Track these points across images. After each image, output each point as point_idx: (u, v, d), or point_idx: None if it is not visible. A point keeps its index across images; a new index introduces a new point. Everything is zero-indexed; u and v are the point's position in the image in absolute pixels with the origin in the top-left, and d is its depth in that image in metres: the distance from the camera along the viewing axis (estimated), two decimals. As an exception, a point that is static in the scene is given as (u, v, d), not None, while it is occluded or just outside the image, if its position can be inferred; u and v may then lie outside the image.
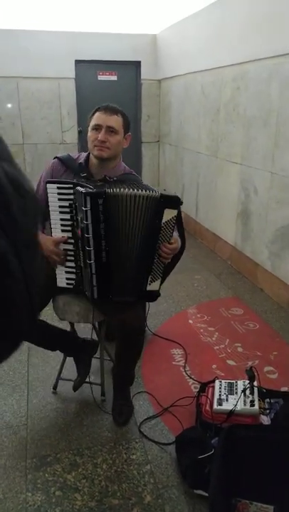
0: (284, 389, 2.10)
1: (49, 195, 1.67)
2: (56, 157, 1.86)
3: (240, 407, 1.73)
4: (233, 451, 1.47)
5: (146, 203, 1.62)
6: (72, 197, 1.64)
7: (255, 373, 1.81)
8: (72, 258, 1.73)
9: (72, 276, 1.76)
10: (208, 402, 1.82)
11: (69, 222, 1.69)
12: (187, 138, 4.57)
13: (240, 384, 1.86)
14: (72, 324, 2.08)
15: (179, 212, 1.72)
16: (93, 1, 4.75)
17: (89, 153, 1.84)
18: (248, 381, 1.81)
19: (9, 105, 4.95)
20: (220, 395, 1.82)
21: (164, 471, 1.68)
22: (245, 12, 3.19)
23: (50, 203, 1.68)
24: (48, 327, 1.94)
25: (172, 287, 3.24)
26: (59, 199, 1.67)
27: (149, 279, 1.71)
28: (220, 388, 1.86)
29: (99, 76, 5.19)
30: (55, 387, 2.11)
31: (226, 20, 3.51)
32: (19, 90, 4.93)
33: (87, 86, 5.12)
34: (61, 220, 1.70)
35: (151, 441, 1.81)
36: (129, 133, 1.82)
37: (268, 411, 1.80)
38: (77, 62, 5.02)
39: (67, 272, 1.76)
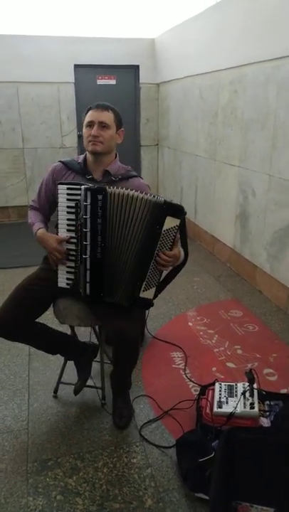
0: (283, 391, 2.11)
1: (59, 195, 1.73)
2: (59, 161, 1.93)
3: (240, 409, 1.73)
4: (234, 454, 1.47)
5: (148, 206, 1.64)
6: (78, 197, 1.68)
7: (255, 375, 1.82)
8: (74, 258, 1.75)
9: (72, 276, 1.78)
10: (209, 404, 1.83)
11: (74, 222, 1.73)
12: (185, 141, 4.59)
13: (240, 386, 1.86)
14: (72, 328, 2.09)
15: (183, 224, 1.72)
16: (92, 6, 4.80)
17: (86, 154, 1.89)
18: (247, 383, 1.82)
19: (9, 110, 4.97)
20: (220, 397, 1.82)
21: (164, 474, 1.68)
22: (243, 15, 3.22)
23: (59, 204, 1.74)
24: (48, 330, 1.95)
25: (172, 290, 3.25)
26: (67, 199, 1.72)
27: (144, 285, 1.71)
28: (220, 391, 1.86)
29: (98, 80, 5.22)
30: (55, 391, 2.12)
31: (223, 24, 3.53)
32: (19, 95, 4.95)
33: (87, 90, 5.14)
34: (67, 220, 1.74)
35: (151, 444, 1.82)
36: (122, 129, 1.87)
37: (267, 413, 1.81)
38: (77, 66, 5.05)
39: (68, 272, 1.78)
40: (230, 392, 1.85)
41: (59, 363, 2.17)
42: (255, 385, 1.81)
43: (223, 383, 1.92)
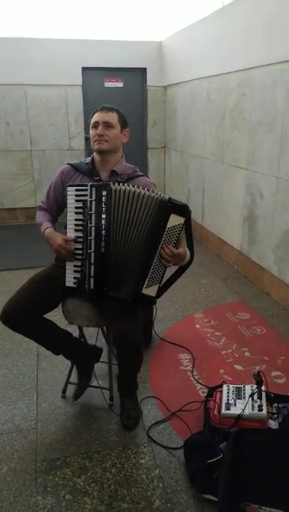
0: (292, 394, 2.11)
1: (68, 197, 1.77)
2: (68, 163, 1.98)
3: (248, 411, 1.74)
4: (242, 456, 1.48)
5: (152, 203, 1.67)
6: (86, 198, 1.72)
7: (263, 378, 1.82)
8: (80, 257, 1.78)
9: (79, 275, 1.80)
10: (216, 406, 1.83)
11: (81, 222, 1.76)
12: (193, 143, 4.60)
13: (248, 389, 1.87)
14: (80, 328, 2.11)
15: (189, 223, 1.74)
16: (99, 9, 4.83)
17: (93, 154, 1.94)
18: (255, 386, 1.82)
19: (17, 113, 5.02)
20: (228, 399, 1.83)
21: (172, 475, 1.69)
22: (250, 18, 3.23)
23: (68, 205, 1.78)
24: (54, 327, 1.95)
25: (179, 292, 3.26)
26: (76, 200, 1.76)
27: (147, 281, 1.73)
28: (228, 393, 1.87)
29: (105, 83, 5.25)
30: (64, 392, 2.13)
31: (230, 27, 3.54)
32: (27, 97, 5.00)
33: (94, 93, 5.18)
34: (75, 220, 1.78)
35: (159, 445, 1.83)
36: (127, 129, 1.92)
37: (275, 415, 1.81)
38: (84, 69, 5.08)
39: (75, 272, 1.81)
40: (238, 394, 1.85)
41: (67, 364, 2.19)
42: (263, 388, 1.81)
43: (231, 385, 1.92)
